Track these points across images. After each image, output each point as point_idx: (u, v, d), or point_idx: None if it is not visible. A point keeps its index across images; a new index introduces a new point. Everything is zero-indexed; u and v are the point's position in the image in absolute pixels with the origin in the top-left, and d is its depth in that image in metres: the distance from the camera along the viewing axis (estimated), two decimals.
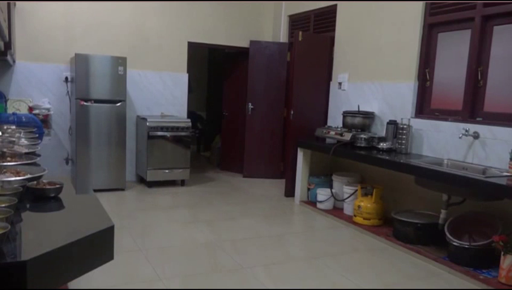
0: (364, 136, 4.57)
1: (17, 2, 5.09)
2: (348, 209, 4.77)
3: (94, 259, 1.40)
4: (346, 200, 4.79)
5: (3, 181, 1.69)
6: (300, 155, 5.28)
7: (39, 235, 1.37)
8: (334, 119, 5.46)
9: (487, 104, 3.89)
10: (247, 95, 6.55)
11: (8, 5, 4.08)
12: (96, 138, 5.30)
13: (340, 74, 5.41)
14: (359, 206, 4.44)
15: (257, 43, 6.49)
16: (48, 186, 1.75)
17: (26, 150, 2.43)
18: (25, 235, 1.37)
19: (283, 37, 6.60)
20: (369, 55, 4.95)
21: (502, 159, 3.55)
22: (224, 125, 7.18)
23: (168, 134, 5.68)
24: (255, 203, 5.27)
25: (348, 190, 4.77)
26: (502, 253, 3.10)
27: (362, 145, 4.55)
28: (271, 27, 6.85)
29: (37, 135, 3.24)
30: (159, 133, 5.63)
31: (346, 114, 4.92)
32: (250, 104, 6.54)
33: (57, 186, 1.76)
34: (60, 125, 5.58)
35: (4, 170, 1.86)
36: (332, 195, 4.92)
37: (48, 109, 5.38)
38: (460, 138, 3.84)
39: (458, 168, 3.69)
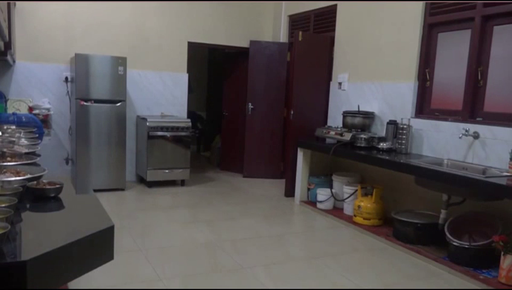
0: (364, 136, 4.57)
1: (17, 2, 5.09)
2: (348, 209, 4.77)
3: (94, 259, 1.40)
4: (346, 200, 4.79)
5: (3, 181, 1.69)
6: (300, 155, 5.28)
7: (39, 235, 1.37)
8: (334, 119, 5.46)
9: (487, 104, 3.89)
10: (247, 95, 6.55)
11: (8, 5, 4.08)
12: (96, 138, 5.30)
13: (340, 74, 5.40)
14: (359, 206, 4.44)
15: (257, 43, 6.49)
16: (48, 186, 1.75)
17: (26, 150, 2.42)
18: (25, 235, 1.36)
19: (283, 37, 6.60)
20: (369, 55, 4.95)
21: (502, 159, 3.55)
22: (224, 125, 7.18)
23: (168, 134, 5.68)
24: (255, 203, 5.27)
25: (348, 190, 4.77)
26: (502, 253, 3.10)
27: (362, 145, 4.55)
28: (271, 27, 6.85)
29: (37, 135, 3.24)
30: (159, 133, 5.63)
31: (346, 114, 4.92)
32: (250, 104, 6.54)
33: (57, 186, 1.75)
34: (60, 125, 5.58)
35: (4, 170, 1.86)
36: (332, 195, 4.92)
37: (48, 109, 5.38)
38: (460, 138, 3.84)
39: (458, 168, 3.69)
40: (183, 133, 5.77)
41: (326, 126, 5.41)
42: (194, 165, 6.77)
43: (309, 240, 4.20)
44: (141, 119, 5.79)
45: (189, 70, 6.36)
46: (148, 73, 6.04)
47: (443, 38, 4.27)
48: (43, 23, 5.37)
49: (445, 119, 4.12)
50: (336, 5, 5.49)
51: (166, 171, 5.73)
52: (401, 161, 3.90)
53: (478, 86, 3.93)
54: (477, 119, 3.90)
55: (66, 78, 5.53)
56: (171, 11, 6.09)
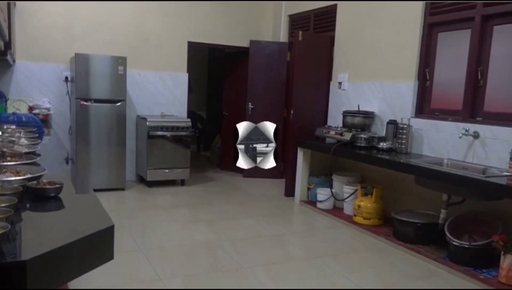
0: (364, 136, 4.57)
1: (17, 2, 5.08)
2: (348, 209, 4.77)
3: (94, 259, 1.40)
4: (346, 200, 4.79)
5: (3, 181, 1.69)
6: (300, 155, 5.28)
7: (39, 235, 1.37)
8: (334, 119, 5.46)
9: (487, 104, 3.89)
10: (247, 95, 6.55)
11: (8, 5, 4.08)
12: (96, 137, 5.30)
13: (340, 74, 5.40)
14: (359, 206, 4.44)
15: (257, 43, 6.49)
16: (48, 186, 1.75)
17: (26, 150, 2.42)
18: (25, 235, 1.36)
19: (283, 37, 6.60)
20: (369, 55, 4.95)
21: (502, 159, 3.55)
22: (224, 125, 7.17)
23: (168, 134, 5.68)
24: (255, 203, 5.27)
25: (348, 189, 4.77)
26: (502, 253, 3.10)
27: (362, 145, 4.55)
28: (271, 27, 6.84)
29: (37, 135, 3.23)
30: (159, 133, 5.63)
31: (346, 114, 4.92)
32: (250, 104, 6.54)
33: (57, 186, 1.75)
34: (60, 125, 5.57)
35: (4, 170, 1.86)
36: (332, 195, 4.92)
37: (48, 109, 5.37)
38: (460, 137, 3.84)
39: (458, 168, 3.69)
40: (183, 133, 5.77)
41: (326, 126, 5.41)
42: (194, 165, 6.76)
43: (309, 240, 4.20)
44: (141, 119, 5.79)
45: (189, 70, 6.36)
46: (148, 73, 6.04)
47: (443, 38, 4.27)
48: (43, 23, 5.37)
49: (445, 119, 4.12)
50: (335, 5, 5.49)
51: (166, 171, 5.73)
52: (401, 161, 3.90)
53: (478, 86, 3.93)
54: (477, 119, 3.90)
55: (66, 78, 5.53)
56: (171, 11, 6.09)
